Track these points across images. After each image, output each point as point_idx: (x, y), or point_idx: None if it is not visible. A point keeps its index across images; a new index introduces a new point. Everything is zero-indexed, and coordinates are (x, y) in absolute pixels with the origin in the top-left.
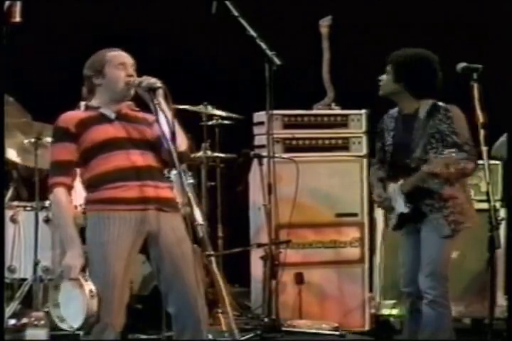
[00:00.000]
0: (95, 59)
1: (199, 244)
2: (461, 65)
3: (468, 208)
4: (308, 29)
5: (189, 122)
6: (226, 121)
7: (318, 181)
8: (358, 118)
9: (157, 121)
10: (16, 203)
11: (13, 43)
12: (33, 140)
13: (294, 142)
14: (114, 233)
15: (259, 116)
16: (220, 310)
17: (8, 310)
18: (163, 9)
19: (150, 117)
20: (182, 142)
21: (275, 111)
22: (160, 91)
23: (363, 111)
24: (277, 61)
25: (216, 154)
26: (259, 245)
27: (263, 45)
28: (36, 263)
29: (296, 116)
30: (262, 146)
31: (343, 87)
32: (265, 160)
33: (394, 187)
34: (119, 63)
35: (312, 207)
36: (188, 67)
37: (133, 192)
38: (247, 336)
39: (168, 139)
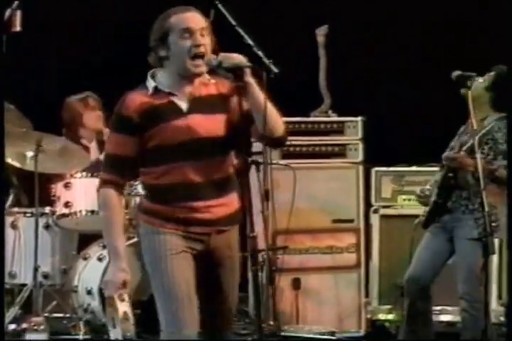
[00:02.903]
0: (158, 23)
1: None
2: (456, 72)
3: (504, 222)
4: (305, 38)
5: None
6: None
7: (315, 187)
8: (354, 125)
9: (253, 104)
10: (16, 209)
11: (14, 52)
12: (33, 147)
13: (291, 149)
14: (173, 249)
15: None
16: None
17: (9, 315)
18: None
19: (227, 86)
20: (277, 126)
21: None
22: (247, 71)
23: (359, 118)
24: (274, 69)
25: None
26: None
27: (260, 54)
28: (36, 269)
29: (293, 123)
30: (260, 153)
31: (340, 94)
32: (262, 167)
33: (435, 179)
34: (183, 29)
35: (309, 213)
36: None
37: (199, 215)
38: None
39: (262, 124)
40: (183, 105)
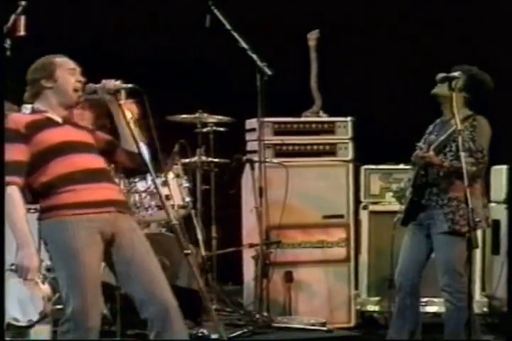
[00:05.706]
0: (44, 62)
1: (195, 244)
2: (441, 74)
3: (482, 214)
4: (298, 42)
5: (185, 129)
6: (220, 128)
7: (307, 185)
8: (344, 125)
9: (121, 122)
10: None
11: (18, 55)
12: None
13: (283, 148)
14: (81, 238)
15: (251, 123)
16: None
17: None
18: (155, 20)
19: (88, 127)
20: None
21: (266, 119)
22: (123, 93)
23: (349, 118)
24: (268, 71)
25: (210, 159)
26: (251, 245)
27: (254, 57)
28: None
29: (285, 123)
30: (254, 152)
31: (330, 95)
32: (257, 165)
33: (409, 177)
34: (69, 68)
35: (301, 209)
36: (185, 78)
37: (92, 195)
38: (240, 331)
39: (135, 142)
40: (59, 120)
